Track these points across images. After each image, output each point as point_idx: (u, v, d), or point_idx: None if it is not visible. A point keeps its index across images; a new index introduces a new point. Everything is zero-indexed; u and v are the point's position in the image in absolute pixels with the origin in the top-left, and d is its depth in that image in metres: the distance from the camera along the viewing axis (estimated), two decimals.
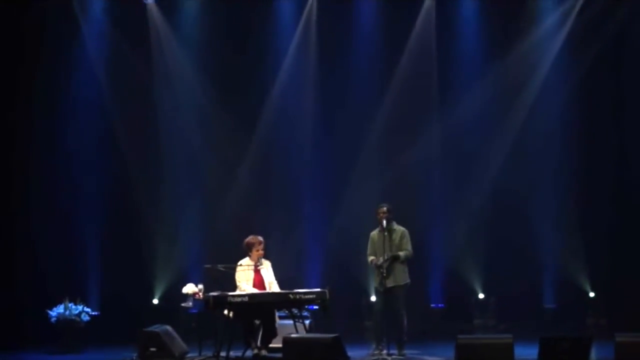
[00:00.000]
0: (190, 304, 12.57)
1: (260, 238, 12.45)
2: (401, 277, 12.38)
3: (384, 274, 12.24)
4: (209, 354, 12.21)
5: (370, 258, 12.53)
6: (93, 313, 14.04)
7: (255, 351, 12.10)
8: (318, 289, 12.16)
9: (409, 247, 12.47)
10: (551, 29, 15.47)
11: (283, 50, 15.67)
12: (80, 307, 13.80)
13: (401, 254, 12.36)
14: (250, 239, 12.46)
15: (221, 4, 15.35)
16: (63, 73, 15.28)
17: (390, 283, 12.29)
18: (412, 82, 15.52)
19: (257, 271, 12.42)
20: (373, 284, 12.89)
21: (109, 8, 15.28)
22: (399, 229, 12.51)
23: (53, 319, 13.68)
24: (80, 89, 15.35)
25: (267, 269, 12.52)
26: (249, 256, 12.44)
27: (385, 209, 12.46)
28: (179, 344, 12.43)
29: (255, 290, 12.21)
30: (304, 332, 12.17)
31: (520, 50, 15.46)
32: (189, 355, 12.46)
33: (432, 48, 15.55)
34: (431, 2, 15.46)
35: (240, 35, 15.42)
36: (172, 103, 15.53)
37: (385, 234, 12.37)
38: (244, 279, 12.32)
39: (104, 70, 15.37)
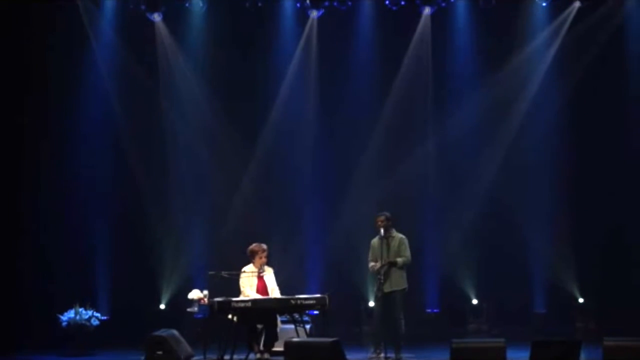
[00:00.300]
0: (196, 309, 12.63)
1: (264, 246, 12.52)
2: (398, 282, 12.40)
3: (382, 280, 12.31)
4: (214, 357, 12.24)
5: (371, 264, 12.57)
6: (102, 318, 14.07)
7: (258, 355, 12.17)
8: (318, 295, 12.24)
9: (407, 253, 12.48)
10: (543, 43, 15.53)
11: (285, 64, 15.75)
12: (90, 312, 13.83)
13: (399, 260, 12.40)
14: (253, 246, 12.53)
15: (225, 21, 15.41)
16: (73, 87, 15.34)
17: (387, 288, 12.32)
18: (409, 94, 15.61)
19: (260, 277, 12.49)
20: (371, 288, 12.91)
21: (118, 25, 15.38)
22: (397, 236, 12.53)
23: (64, 323, 13.73)
24: (89, 102, 15.42)
25: (269, 276, 12.61)
26: (253, 263, 12.53)
27: (383, 217, 12.50)
28: (185, 347, 12.50)
29: (258, 296, 12.31)
30: (305, 336, 12.24)
31: (513, 64, 15.54)
32: (194, 358, 12.53)
33: (428, 62, 15.63)
34: (427, 18, 15.54)
35: (244, 50, 15.51)
36: (178, 117, 15.61)
37: (384, 241, 12.47)
38: (248, 285, 12.40)
39: (112, 84, 15.42)
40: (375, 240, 12.58)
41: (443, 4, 15.43)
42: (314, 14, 15.55)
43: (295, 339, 11.66)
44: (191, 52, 15.66)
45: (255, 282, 12.43)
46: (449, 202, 15.49)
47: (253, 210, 15.43)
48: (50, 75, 15.22)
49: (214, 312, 12.01)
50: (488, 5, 15.22)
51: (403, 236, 12.56)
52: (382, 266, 12.26)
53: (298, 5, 15.57)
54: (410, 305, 13.14)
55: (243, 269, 12.47)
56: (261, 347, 12.22)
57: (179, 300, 14.23)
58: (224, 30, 15.47)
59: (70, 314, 13.78)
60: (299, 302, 12.07)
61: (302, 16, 15.68)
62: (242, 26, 15.47)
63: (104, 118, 15.49)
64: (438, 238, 15.36)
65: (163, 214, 15.49)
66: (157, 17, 15.41)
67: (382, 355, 12.41)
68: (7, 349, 13.78)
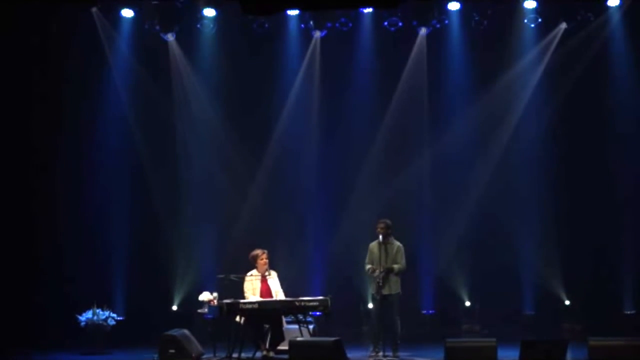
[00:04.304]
0: (206, 310, 12.64)
1: (264, 250, 12.51)
2: (394, 286, 12.39)
3: (380, 284, 12.29)
4: (223, 355, 12.26)
5: (368, 267, 12.53)
6: (118, 318, 14.02)
7: (264, 353, 12.16)
8: (321, 297, 12.22)
9: (403, 261, 12.46)
10: (531, 61, 15.51)
11: (290, 81, 15.75)
12: (106, 313, 13.79)
13: (395, 266, 12.37)
14: (253, 252, 12.53)
15: (234, 41, 15.42)
16: (90, 101, 15.36)
17: (386, 291, 12.32)
18: (406, 109, 15.59)
19: (264, 281, 12.46)
20: (370, 291, 12.90)
21: (134, 44, 15.41)
22: (395, 243, 12.50)
23: (82, 323, 13.72)
24: (106, 116, 15.43)
25: (274, 279, 12.58)
26: (256, 267, 12.49)
27: (383, 224, 12.48)
28: (196, 346, 12.47)
29: (261, 299, 12.27)
30: (308, 336, 12.24)
31: (503, 81, 15.51)
32: (204, 356, 12.49)
33: (424, 79, 15.63)
34: (423, 38, 15.53)
35: (251, 68, 15.48)
36: (189, 130, 15.63)
37: (383, 247, 12.41)
38: (250, 289, 12.35)
39: (128, 99, 15.44)
40: (373, 245, 12.56)
41: (438, 25, 15.43)
42: (318, 34, 15.57)
43: (300, 339, 11.65)
44: (202, 70, 15.68)
45: (258, 285, 12.39)
46: (443, 211, 15.46)
47: (260, 218, 15.41)
48: (68, 90, 15.20)
49: (223, 313, 12.01)
50: (480, 27, 15.25)
51: (400, 244, 12.53)
52: (380, 272, 12.23)
53: (303, 26, 15.59)
54: (407, 307, 13.13)
55: (249, 273, 12.45)
56: (267, 346, 12.21)
57: (190, 302, 14.27)
58: (233, 49, 15.46)
59: (88, 314, 13.76)
60: (302, 303, 12.06)
61: (306, 36, 15.70)
62: (249, 46, 15.47)
63: (120, 128, 15.48)
64: (433, 244, 15.31)
65: (175, 221, 15.50)
66: (170, 37, 15.45)
67: (381, 353, 12.38)
68: (27, 348, 13.73)
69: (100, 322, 13.75)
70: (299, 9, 14.54)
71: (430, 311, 15.50)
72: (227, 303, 11.96)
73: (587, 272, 15.17)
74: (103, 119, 15.43)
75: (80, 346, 13.74)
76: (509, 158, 15.53)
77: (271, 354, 12.15)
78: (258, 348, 12.24)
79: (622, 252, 15.14)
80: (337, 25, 15.41)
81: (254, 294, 12.32)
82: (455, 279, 15.43)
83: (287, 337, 12.01)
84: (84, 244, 15.15)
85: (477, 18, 15.20)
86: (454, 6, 15.21)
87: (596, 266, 15.18)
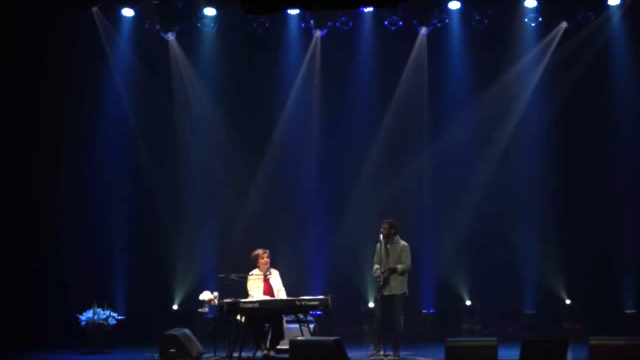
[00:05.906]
0: (207, 309, 12.64)
1: (266, 250, 12.51)
2: (398, 287, 12.27)
3: (381, 284, 12.26)
4: (223, 354, 12.27)
5: (374, 267, 12.50)
6: (119, 317, 14.00)
7: (265, 352, 12.16)
8: (321, 297, 12.18)
9: (408, 260, 12.36)
10: (532, 60, 15.51)
11: (291, 81, 15.76)
12: (107, 312, 13.77)
13: (399, 266, 12.30)
14: (255, 251, 12.53)
15: (234, 41, 15.43)
16: (91, 99, 15.40)
17: (387, 292, 12.26)
18: (407, 108, 15.60)
19: (266, 280, 12.48)
20: (371, 290, 12.87)
21: (134, 44, 15.43)
22: (400, 243, 12.41)
23: (83, 323, 13.71)
24: (106, 115, 15.45)
25: (275, 278, 12.58)
26: (258, 267, 12.50)
27: (386, 224, 12.40)
28: (196, 345, 12.48)
29: (265, 297, 12.28)
30: (309, 335, 12.23)
31: (504, 80, 15.50)
32: (205, 355, 12.50)
33: (425, 78, 15.64)
34: (423, 37, 15.54)
35: (252, 67, 15.50)
36: (190, 129, 15.64)
37: (385, 247, 12.37)
38: (255, 287, 12.38)
39: (128, 98, 15.47)
40: (378, 245, 12.50)
41: (438, 25, 15.44)
42: (318, 33, 15.58)
43: (300, 338, 11.64)
44: (202, 70, 15.70)
45: (261, 284, 12.40)
46: (444, 210, 15.46)
47: (260, 217, 15.43)
48: (68, 90, 15.20)
49: (224, 312, 12.03)
50: (480, 26, 15.25)
51: (406, 244, 12.44)
52: (382, 272, 12.21)
53: (303, 25, 15.59)
54: (408, 306, 13.07)
55: (250, 273, 12.46)
56: (268, 345, 12.20)
57: (191, 301, 14.25)
58: (234, 49, 15.47)
59: (89, 313, 13.74)
60: (303, 303, 12.04)
61: (306, 36, 15.69)
62: (250, 45, 15.47)
63: (120, 128, 15.52)
64: (434, 243, 15.29)
65: (176, 220, 15.51)
66: (170, 37, 15.47)
67: (382, 352, 12.35)
68: (27, 348, 13.75)
69: (101, 321, 13.73)
70: (299, 9, 14.55)
71: (431, 310, 15.48)
72: (227, 302, 11.98)
73: (587, 272, 15.15)
74: (103, 118, 15.45)
75: (81, 346, 13.74)
76: (509, 158, 15.53)
77: (271, 353, 12.15)
78: (258, 347, 12.24)
79: (622, 251, 15.13)
80: (337, 24, 15.42)
81: (257, 291, 12.31)
82: (456, 278, 15.42)
83: (288, 337, 12.00)
84: (84, 243, 15.16)
85: (477, 17, 15.21)
86: (454, 5, 15.23)
87: (597, 265, 15.15)
